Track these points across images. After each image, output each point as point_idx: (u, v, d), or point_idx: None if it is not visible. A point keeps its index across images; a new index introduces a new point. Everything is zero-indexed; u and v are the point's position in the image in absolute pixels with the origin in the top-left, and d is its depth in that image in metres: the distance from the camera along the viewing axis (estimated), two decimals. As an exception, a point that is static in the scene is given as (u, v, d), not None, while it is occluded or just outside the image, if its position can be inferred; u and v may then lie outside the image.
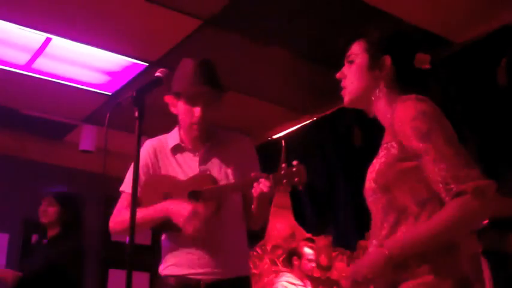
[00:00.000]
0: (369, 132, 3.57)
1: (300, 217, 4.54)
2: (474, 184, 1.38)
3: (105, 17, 3.41)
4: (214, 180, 2.19)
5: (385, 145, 1.58)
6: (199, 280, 2.16)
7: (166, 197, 2.21)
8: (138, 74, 4.07)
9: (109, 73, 4.15)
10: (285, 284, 4.59)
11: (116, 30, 3.56)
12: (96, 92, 4.39)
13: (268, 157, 2.97)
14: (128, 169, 2.24)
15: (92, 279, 5.11)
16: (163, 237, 2.33)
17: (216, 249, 2.18)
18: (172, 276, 2.21)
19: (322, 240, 6.04)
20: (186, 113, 2.23)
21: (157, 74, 1.83)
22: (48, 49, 3.80)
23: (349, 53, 1.70)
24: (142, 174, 2.24)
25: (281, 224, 6.18)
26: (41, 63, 3.99)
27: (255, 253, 6.10)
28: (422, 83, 1.64)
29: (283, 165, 2.02)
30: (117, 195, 2.33)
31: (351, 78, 1.68)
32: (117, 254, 4.68)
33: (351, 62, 1.69)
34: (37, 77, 4.15)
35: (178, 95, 2.25)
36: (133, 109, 1.66)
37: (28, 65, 4.02)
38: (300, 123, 4.69)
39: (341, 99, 1.72)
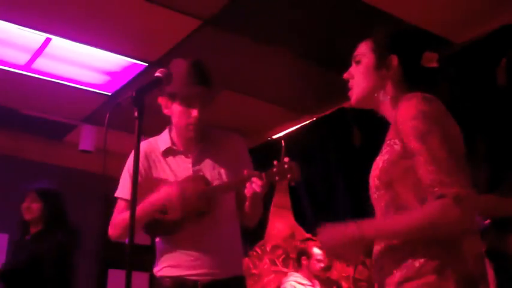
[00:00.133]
0: (369, 132, 3.56)
1: (300, 217, 4.54)
2: (455, 192, 1.38)
3: (105, 17, 3.41)
4: (206, 182, 2.19)
5: (388, 142, 1.58)
6: (196, 281, 2.15)
7: None
8: (138, 74, 4.07)
9: (109, 73, 4.15)
10: (294, 283, 4.59)
11: (115, 30, 3.56)
12: (96, 92, 4.39)
13: (268, 157, 2.96)
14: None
15: (92, 279, 5.11)
16: (157, 239, 2.32)
17: (212, 250, 2.18)
18: (168, 277, 2.20)
19: (322, 241, 6.02)
20: (182, 113, 2.21)
21: (157, 74, 1.82)
22: (48, 49, 3.80)
23: (356, 53, 1.70)
24: None
25: (281, 224, 6.18)
26: (41, 63, 3.99)
27: (254, 253, 6.10)
28: (430, 81, 1.63)
29: (275, 162, 2.03)
30: (116, 195, 2.32)
31: (358, 78, 1.67)
32: (117, 254, 4.66)
33: (358, 62, 1.68)
34: (37, 77, 4.15)
35: (173, 96, 2.22)
36: (133, 109, 1.65)
37: (28, 65, 4.02)
38: (299, 123, 4.68)
39: (341, 99, 1.73)
